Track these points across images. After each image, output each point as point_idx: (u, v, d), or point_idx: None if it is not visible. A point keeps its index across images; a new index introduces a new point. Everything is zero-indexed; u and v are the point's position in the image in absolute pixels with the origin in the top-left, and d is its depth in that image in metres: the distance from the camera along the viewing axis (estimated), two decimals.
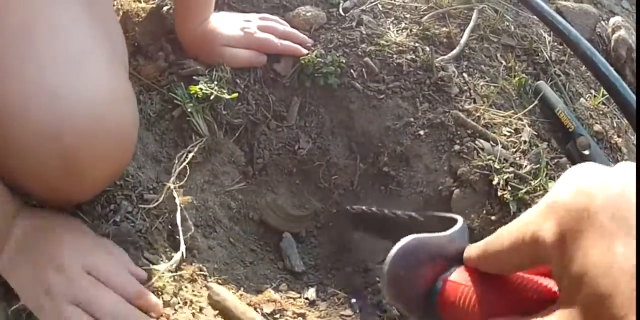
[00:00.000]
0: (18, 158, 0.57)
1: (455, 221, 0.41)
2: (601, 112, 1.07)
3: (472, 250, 0.36)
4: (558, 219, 0.27)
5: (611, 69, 0.96)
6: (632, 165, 0.28)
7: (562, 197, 0.28)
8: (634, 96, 0.95)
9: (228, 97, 0.89)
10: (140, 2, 0.97)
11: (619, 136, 1.06)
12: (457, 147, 0.92)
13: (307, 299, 0.85)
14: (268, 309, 0.81)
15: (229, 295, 0.76)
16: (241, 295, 0.83)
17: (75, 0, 0.62)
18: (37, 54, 0.56)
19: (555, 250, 0.27)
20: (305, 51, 0.95)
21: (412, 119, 0.95)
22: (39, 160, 0.56)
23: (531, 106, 0.98)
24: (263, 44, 0.93)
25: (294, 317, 0.82)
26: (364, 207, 0.79)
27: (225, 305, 0.75)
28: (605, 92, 1.06)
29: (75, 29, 0.60)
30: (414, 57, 0.99)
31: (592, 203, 0.26)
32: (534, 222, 0.29)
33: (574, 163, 0.97)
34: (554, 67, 1.07)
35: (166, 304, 0.74)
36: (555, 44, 1.12)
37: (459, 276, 0.37)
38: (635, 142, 1.07)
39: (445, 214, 0.45)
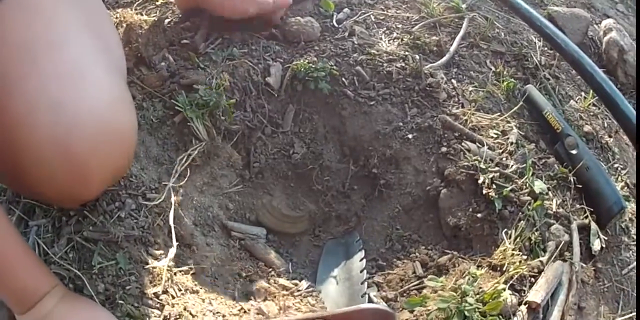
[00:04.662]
0: (28, 166, 0.61)
1: None
2: (591, 113, 1.10)
3: None
4: None
5: (598, 70, 0.99)
6: None
7: None
8: (621, 96, 0.97)
9: (226, 103, 0.94)
10: (142, 15, 1.04)
11: (609, 136, 1.08)
12: (444, 149, 0.96)
13: (300, 294, 0.89)
14: (260, 296, 0.85)
15: None
16: (237, 288, 0.88)
17: (73, 17, 0.67)
18: (39, 70, 0.60)
19: None
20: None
21: (401, 124, 0.99)
22: (48, 167, 0.61)
23: (516, 107, 1.01)
24: None
25: (284, 300, 0.86)
26: None
27: None
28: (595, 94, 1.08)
29: (74, 43, 0.65)
30: (403, 65, 1.03)
31: None
32: None
33: (562, 163, 1.00)
34: (544, 71, 1.10)
35: (165, 292, 0.80)
36: (546, 48, 1.15)
37: None
38: (626, 141, 1.09)
39: None
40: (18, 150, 0.60)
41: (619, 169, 1.09)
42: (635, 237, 0.99)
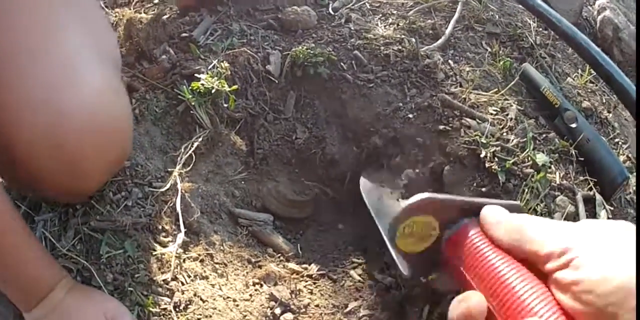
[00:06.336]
0: (25, 166, 0.62)
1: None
2: (589, 90, 1.11)
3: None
4: None
5: (592, 44, 1.00)
6: None
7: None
8: (616, 68, 0.98)
9: (229, 89, 0.95)
10: (140, 13, 1.06)
11: (608, 111, 1.09)
12: (445, 126, 0.97)
13: (310, 276, 0.90)
14: (270, 281, 0.86)
15: None
16: (246, 273, 0.88)
17: (57, 6, 0.66)
18: (22, 72, 0.61)
19: None
20: None
21: (401, 104, 1.00)
22: (42, 164, 0.61)
23: (512, 83, 1.02)
24: None
25: (295, 283, 0.86)
26: None
27: None
28: (592, 71, 1.09)
29: (58, 39, 0.64)
30: (400, 47, 1.05)
31: None
32: None
33: (562, 137, 1.00)
34: (539, 50, 1.12)
35: (174, 279, 0.80)
36: (540, 29, 1.17)
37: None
38: (626, 117, 1.10)
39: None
40: (12, 152, 0.61)
41: (620, 143, 1.09)
42: None
